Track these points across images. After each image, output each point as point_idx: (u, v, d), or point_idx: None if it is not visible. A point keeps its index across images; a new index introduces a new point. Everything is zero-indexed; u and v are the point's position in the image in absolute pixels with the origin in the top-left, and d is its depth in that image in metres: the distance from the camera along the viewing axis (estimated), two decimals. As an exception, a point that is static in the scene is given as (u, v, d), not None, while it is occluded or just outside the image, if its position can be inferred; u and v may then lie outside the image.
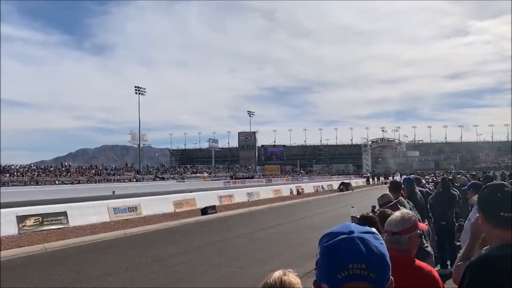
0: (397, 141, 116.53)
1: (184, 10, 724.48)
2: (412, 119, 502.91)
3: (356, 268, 0.98)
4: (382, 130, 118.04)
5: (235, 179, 72.19)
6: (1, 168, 50.25)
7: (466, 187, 6.53)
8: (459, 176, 13.54)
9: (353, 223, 1.13)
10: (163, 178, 68.13)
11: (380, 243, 1.05)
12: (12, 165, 55.33)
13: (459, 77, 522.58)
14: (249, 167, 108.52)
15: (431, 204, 8.43)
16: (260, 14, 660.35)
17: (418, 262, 2.57)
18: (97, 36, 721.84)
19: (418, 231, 2.67)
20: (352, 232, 1.05)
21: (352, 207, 4.16)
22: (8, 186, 42.83)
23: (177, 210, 19.81)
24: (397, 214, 2.73)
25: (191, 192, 25.41)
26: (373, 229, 1.10)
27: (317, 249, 1.09)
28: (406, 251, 2.55)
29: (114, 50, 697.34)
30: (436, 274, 2.55)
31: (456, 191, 9.02)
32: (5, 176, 48.94)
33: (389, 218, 2.69)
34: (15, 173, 51.51)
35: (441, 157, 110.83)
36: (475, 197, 2.12)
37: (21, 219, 13.45)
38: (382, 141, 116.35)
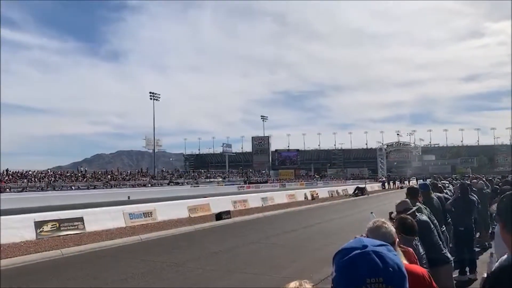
0: (412, 145, 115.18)
1: (197, 16, 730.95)
2: (427, 122, 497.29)
3: (374, 282, 0.99)
4: (397, 134, 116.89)
5: (249, 184, 72.32)
6: (1, 173, 50.96)
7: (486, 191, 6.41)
8: (475, 181, 13.26)
9: (365, 237, 1.14)
10: (177, 183, 68.54)
11: (394, 255, 1.06)
12: (30, 170, 56.17)
13: (475, 80, 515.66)
14: (263, 171, 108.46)
15: (449, 210, 8.30)
16: (272, 18, 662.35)
17: (406, 265, 2.57)
18: (112, 43, 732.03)
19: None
20: (366, 246, 1.06)
21: (371, 213, 4.10)
22: (26, 191, 43.55)
23: (192, 215, 19.87)
24: (381, 224, 2.70)
25: (205, 197, 25.49)
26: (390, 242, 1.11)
27: (331, 267, 1.10)
28: None
29: (129, 56, 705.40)
30: (427, 274, 2.60)
31: (474, 196, 8.87)
32: (22, 182, 49.75)
33: (381, 230, 2.65)
34: (33, 179, 52.33)
35: (458, 161, 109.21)
36: (495, 206, 2.06)
37: (39, 224, 13.65)
38: (398, 145, 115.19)
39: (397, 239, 2.70)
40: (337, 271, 1.06)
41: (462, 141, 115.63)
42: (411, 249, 3.28)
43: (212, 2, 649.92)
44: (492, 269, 1.68)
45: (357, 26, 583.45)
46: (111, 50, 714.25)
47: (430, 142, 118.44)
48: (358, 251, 1.05)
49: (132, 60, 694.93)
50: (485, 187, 11.25)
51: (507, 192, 1.91)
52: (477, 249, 7.96)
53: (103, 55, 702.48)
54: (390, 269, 1.01)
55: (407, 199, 5.11)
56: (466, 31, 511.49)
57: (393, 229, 2.69)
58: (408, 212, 4.39)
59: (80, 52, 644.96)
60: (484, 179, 14.97)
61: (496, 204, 2.11)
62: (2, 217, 13.31)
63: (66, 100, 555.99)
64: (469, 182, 12.78)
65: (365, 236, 2.68)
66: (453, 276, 6.66)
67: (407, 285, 1.05)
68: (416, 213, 4.70)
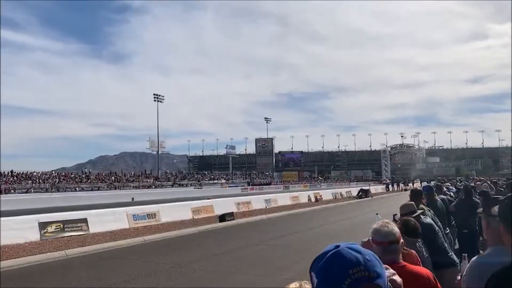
0: (416, 147, 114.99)
1: (199, 17, 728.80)
2: (431, 124, 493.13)
3: (356, 271, 1.02)
4: (401, 136, 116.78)
5: (252, 185, 72.28)
6: (5, 175, 51.17)
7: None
8: (479, 183, 13.22)
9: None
10: (181, 185, 68.61)
11: (366, 248, 1.10)
12: (34, 172, 56.39)
13: (479, 81, 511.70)
14: (267, 173, 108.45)
15: (453, 212, 8.28)
16: (274, 19, 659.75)
17: (410, 266, 2.60)
18: (115, 45, 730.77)
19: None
20: (339, 246, 1.10)
21: (377, 214, 4.10)
22: (30, 193, 43.74)
23: (195, 217, 19.89)
24: (385, 224, 2.67)
25: (209, 198, 25.51)
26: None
27: (311, 278, 1.11)
28: (396, 259, 2.57)
29: (132, 58, 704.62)
30: (431, 276, 2.58)
31: (478, 199, 8.83)
32: (27, 183, 49.95)
33: (384, 229, 2.63)
34: (37, 180, 52.54)
35: (462, 163, 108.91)
36: (496, 208, 2.06)
37: (43, 225, 13.69)
38: (402, 147, 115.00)
39: (402, 240, 2.69)
40: (318, 276, 1.07)
41: (466, 143, 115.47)
42: (414, 251, 3.27)
43: (214, 4, 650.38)
44: (495, 272, 1.68)
45: (359, 28, 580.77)
46: (115, 52, 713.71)
47: (434, 144, 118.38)
48: (333, 251, 1.08)
49: (135, 61, 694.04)
50: (489, 190, 11.19)
51: (509, 194, 1.90)
52: (481, 252, 7.93)
53: (107, 57, 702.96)
54: (367, 257, 1.05)
55: (412, 202, 5.08)
56: (469, 32, 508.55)
57: (396, 229, 2.68)
58: (413, 215, 4.37)
59: (83, 54, 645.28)
60: (488, 181, 14.93)
61: (496, 207, 2.11)
62: (6, 218, 13.40)
63: (70, 101, 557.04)
64: (473, 184, 12.76)
65: (370, 239, 2.68)
66: (458, 278, 6.64)
67: (384, 271, 1.08)
68: (420, 216, 4.69)
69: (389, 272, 1.38)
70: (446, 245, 4.90)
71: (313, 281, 1.10)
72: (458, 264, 4.89)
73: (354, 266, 1.03)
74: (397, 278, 1.65)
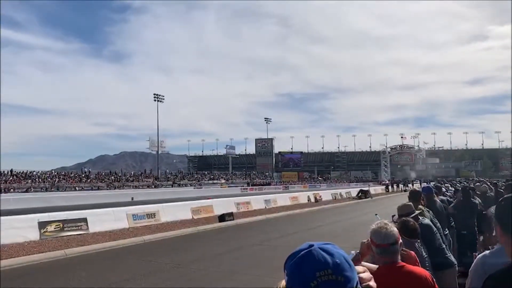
0: (416, 148, 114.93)
1: (201, 17, 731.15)
2: (431, 125, 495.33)
3: (323, 275, 1.01)
4: (401, 137, 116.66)
5: (252, 186, 72.32)
6: (5, 174, 51.13)
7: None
8: (479, 184, 13.23)
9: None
10: (180, 185, 68.58)
11: (339, 249, 1.09)
12: (34, 171, 56.38)
13: (479, 83, 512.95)
14: (266, 174, 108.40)
15: (452, 213, 8.29)
16: (275, 20, 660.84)
17: (409, 267, 2.64)
18: (116, 44, 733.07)
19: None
20: (312, 245, 1.09)
21: (376, 214, 4.11)
22: (30, 192, 43.74)
23: (195, 217, 19.89)
24: (383, 226, 2.70)
25: (208, 198, 25.50)
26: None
27: (284, 275, 1.11)
28: (395, 260, 2.62)
29: (132, 58, 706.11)
30: (430, 277, 2.62)
31: (477, 200, 8.85)
32: (27, 182, 49.95)
33: (383, 231, 2.66)
34: (37, 179, 52.53)
35: (462, 164, 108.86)
36: (492, 209, 2.07)
37: (42, 224, 13.69)
38: (401, 148, 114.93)
39: (400, 240, 2.71)
40: (288, 275, 1.08)
41: (466, 144, 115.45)
42: (413, 252, 3.28)
43: (215, 4, 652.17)
44: (493, 272, 1.68)
45: (360, 29, 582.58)
46: (115, 51, 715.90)
47: (434, 145, 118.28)
48: (305, 251, 1.08)
49: (136, 61, 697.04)
50: (488, 191, 11.21)
51: (506, 196, 1.91)
52: (477, 253, 7.92)
53: (107, 56, 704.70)
54: (337, 260, 1.03)
55: (410, 203, 5.09)
56: (470, 34, 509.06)
57: (395, 230, 2.70)
58: (411, 216, 4.38)
59: (84, 53, 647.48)
60: (488, 182, 14.92)
61: (493, 207, 2.12)
62: (6, 217, 13.40)
63: (70, 101, 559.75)
64: (472, 185, 12.77)
65: (369, 240, 2.69)
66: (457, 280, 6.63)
67: (356, 275, 1.07)
68: (419, 217, 4.69)
69: (366, 275, 1.35)
70: (445, 246, 4.91)
71: (284, 278, 1.10)
72: (456, 265, 4.91)
73: (322, 268, 1.02)
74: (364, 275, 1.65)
